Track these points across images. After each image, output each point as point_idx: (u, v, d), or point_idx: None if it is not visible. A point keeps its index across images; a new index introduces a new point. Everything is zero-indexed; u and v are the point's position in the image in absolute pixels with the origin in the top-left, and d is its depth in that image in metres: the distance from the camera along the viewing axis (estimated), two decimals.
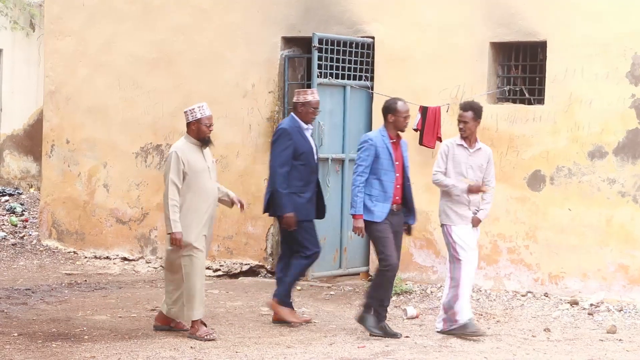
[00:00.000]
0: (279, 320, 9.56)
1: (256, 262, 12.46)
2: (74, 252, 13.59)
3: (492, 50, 11.29)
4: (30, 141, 17.95)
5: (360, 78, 11.92)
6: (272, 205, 9.64)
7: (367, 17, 11.81)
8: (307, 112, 9.61)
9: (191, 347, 8.43)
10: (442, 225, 9.31)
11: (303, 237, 9.62)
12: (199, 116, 8.92)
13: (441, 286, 10.97)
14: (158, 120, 12.98)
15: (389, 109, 9.12)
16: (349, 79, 11.82)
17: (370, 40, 11.86)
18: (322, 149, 11.46)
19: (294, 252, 9.70)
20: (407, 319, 10.05)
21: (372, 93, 11.84)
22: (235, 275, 12.38)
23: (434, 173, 9.29)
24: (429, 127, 11.24)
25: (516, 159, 11.08)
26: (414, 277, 11.46)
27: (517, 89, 11.52)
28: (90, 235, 13.59)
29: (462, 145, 9.18)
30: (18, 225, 15.16)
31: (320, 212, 9.89)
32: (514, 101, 11.56)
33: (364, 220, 8.90)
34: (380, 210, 8.88)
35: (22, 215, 15.67)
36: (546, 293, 10.84)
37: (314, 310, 10.50)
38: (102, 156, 13.45)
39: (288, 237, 9.68)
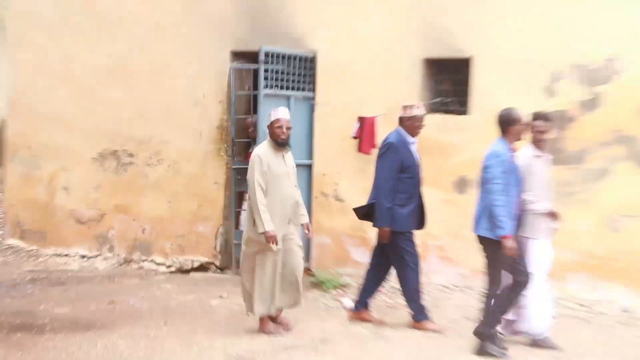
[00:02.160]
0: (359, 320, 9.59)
1: (206, 259, 12.58)
2: (36, 250, 13.63)
3: (424, 65, 11.52)
4: None
5: (303, 89, 12.04)
6: (370, 214, 9.51)
7: (310, 33, 11.99)
8: (414, 126, 9.49)
9: (146, 337, 8.56)
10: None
11: (404, 247, 9.44)
12: (272, 119, 8.93)
13: (358, 283, 11.19)
14: (115, 128, 13.05)
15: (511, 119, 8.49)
16: (293, 89, 11.92)
17: (313, 54, 12.00)
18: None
19: (391, 263, 9.63)
20: (345, 309, 10.20)
21: (314, 103, 12.02)
22: (186, 271, 12.46)
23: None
24: (366, 135, 11.47)
25: (445, 165, 11.30)
26: (351, 273, 11.60)
27: (447, 100, 11.65)
28: (51, 235, 13.66)
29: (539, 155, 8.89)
30: None
31: (422, 223, 9.70)
32: (445, 112, 11.65)
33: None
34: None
35: None
36: (468, 286, 11.14)
37: None
38: (62, 161, 13.52)
39: (387, 247, 9.51)
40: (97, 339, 8.41)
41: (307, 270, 11.92)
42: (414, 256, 9.47)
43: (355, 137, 11.58)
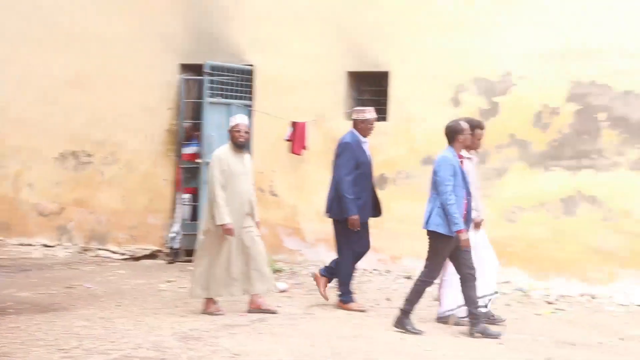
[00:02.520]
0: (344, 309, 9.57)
1: (156, 248, 12.75)
2: (1, 240, 13.63)
3: (348, 77, 11.81)
4: None
5: (242, 98, 12.20)
6: (334, 208, 9.58)
7: (248, 49, 12.19)
8: (365, 127, 9.63)
9: (100, 317, 8.52)
10: None
11: (346, 237, 9.57)
12: (232, 124, 9.07)
13: (308, 265, 11.74)
14: (74, 131, 13.17)
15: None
16: (233, 98, 12.08)
17: (251, 67, 12.19)
18: (211, 155, 11.28)
19: (342, 248, 9.70)
20: (279, 292, 10.22)
21: (252, 110, 12.20)
22: (138, 259, 12.61)
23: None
24: (297, 138, 11.76)
25: None
26: (285, 259, 11.90)
27: (367, 108, 11.06)
28: (16, 226, 13.68)
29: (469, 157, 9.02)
30: None
31: (377, 211, 9.89)
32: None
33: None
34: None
35: None
36: (388, 270, 11.52)
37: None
38: (27, 160, 13.57)
39: (344, 234, 9.59)
40: (56, 319, 8.35)
41: None
42: (361, 245, 9.69)
43: (287, 140, 11.85)
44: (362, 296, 10.38)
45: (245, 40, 12.36)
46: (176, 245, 12.36)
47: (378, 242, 11.29)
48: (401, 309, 8.52)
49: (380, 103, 11.87)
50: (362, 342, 8.01)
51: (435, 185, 8.44)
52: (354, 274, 9.78)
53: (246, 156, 9.24)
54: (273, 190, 12.24)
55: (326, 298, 9.72)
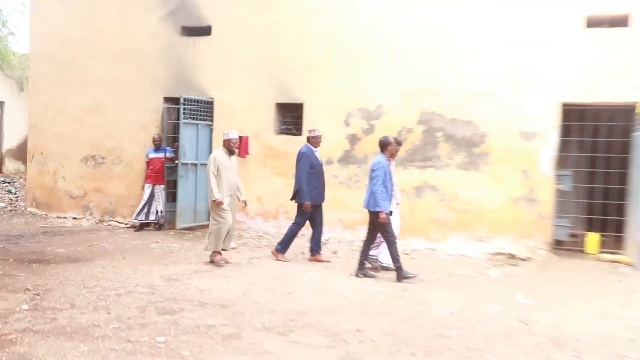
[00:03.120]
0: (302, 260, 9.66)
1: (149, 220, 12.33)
2: (45, 215, 13.61)
3: (276, 107, 11.87)
4: (20, 152, 17.60)
5: (206, 119, 12.17)
6: (297, 196, 9.63)
7: (210, 87, 12.19)
8: (316, 141, 9.73)
9: (112, 266, 8.59)
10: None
11: (302, 214, 9.66)
12: (229, 137, 9.23)
13: (250, 232, 11.77)
14: (93, 141, 13.11)
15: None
16: (200, 120, 12.05)
17: (212, 99, 12.18)
18: (185, 158, 11.86)
19: (295, 220, 9.76)
20: (231, 249, 9.93)
21: (212, 128, 12.25)
22: (133, 227, 12.36)
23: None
24: (242, 147, 11.68)
25: (289, 164, 11.32)
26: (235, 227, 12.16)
27: (289, 127, 12.01)
28: (54, 205, 13.63)
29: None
30: (12, 199, 15.09)
31: (323, 199, 9.83)
32: (288, 134, 11.96)
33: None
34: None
35: (15, 194, 15.52)
36: (303, 234, 10.79)
37: (180, 246, 10.57)
38: (61, 161, 13.54)
39: (302, 214, 9.63)
40: (82, 267, 8.49)
41: (208, 226, 11.96)
42: (302, 221, 9.71)
43: (236, 148, 11.19)
44: (287, 252, 10.11)
45: (208, 81, 12.34)
46: (142, 218, 12.25)
47: (294, 215, 11.62)
48: (396, 267, 8.57)
49: (297, 124, 11.97)
50: (286, 281, 8.16)
51: (371, 179, 8.55)
52: (321, 238, 9.89)
53: (233, 157, 9.34)
54: None
55: (328, 261, 9.75)
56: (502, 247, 10.63)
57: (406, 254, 10.51)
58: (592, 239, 10.89)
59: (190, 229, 12.21)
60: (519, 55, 10.68)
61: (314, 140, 9.76)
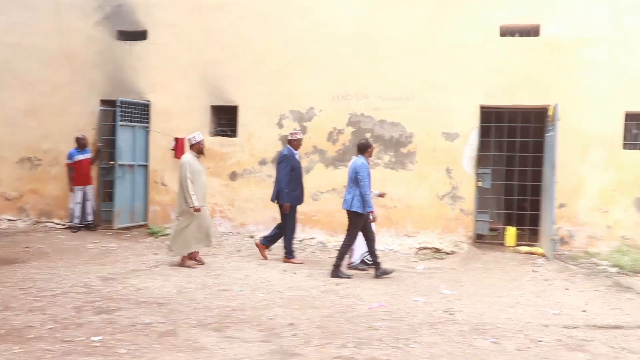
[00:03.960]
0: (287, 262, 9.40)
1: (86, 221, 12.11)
2: None
3: (211, 109, 11.74)
4: None
5: (142, 122, 11.95)
6: (278, 197, 9.38)
7: (146, 90, 11.97)
8: (297, 144, 9.53)
9: (48, 267, 8.36)
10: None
11: (291, 215, 9.45)
12: (197, 140, 8.92)
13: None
14: (29, 144, 12.66)
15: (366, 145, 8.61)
16: (137, 122, 11.83)
17: (148, 102, 11.97)
18: (122, 159, 11.61)
19: (284, 224, 9.47)
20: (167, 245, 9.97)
21: (149, 131, 12.04)
22: (70, 228, 11.92)
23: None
24: (179, 148, 11.58)
25: (224, 165, 11.65)
26: (171, 226, 10.61)
27: (225, 129, 11.85)
28: None
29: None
30: None
31: (302, 200, 9.64)
32: (223, 135, 11.82)
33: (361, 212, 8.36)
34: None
35: None
36: (238, 232, 11.50)
37: (117, 245, 10.40)
38: None
39: (284, 215, 9.40)
40: (17, 269, 8.28)
41: (146, 226, 12.06)
42: (295, 221, 9.59)
43: (172, 149, 11.78)
44: (221, 249, 10.38)
45: (144, 84, 12.14)
46: (76, 221, 11.91)
47: (231, 215, 11.68)
48: (334, 264, 8.59)
49: (232, 126, 11.90)
50: (222, 278, 8.12)
51: (356, 181, 8.40)
52: (294, 240, 9.70)
53: (201, 159, 9.15)
54: (163, 182, 12.15)
55: (265, 258, 9.63)
56: (428, 241, 10.80)
57: (337, 249, 10.46)
58: (510, 233, 11.19)
59: (127, 229, 11.99)
60: (441, 60, 10.92)
61: (295, 143, 9.59)
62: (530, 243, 11.00)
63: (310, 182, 11.13)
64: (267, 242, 9.79)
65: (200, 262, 9.12)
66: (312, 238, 11.23)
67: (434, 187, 10.92)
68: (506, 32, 10.84)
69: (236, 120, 11.79)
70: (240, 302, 6.89)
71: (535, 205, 11.23)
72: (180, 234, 8.88)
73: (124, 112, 11.77)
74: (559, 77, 10.52)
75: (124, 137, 11.79)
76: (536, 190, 11.29)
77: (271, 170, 11.48)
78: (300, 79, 11.42)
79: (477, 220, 11.05)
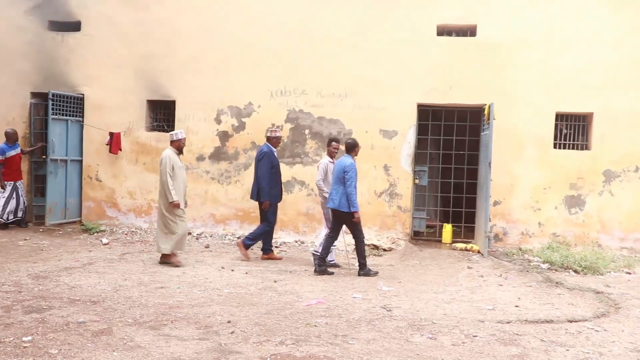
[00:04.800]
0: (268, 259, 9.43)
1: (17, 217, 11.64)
2: None
3: (148, 104, 11.58)
4: None
5: (76, 115, 11.71)
6: (258, 195, 9.31)
7: (80, 83, 11.71)
8: (277, 142, 9.47)
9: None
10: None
11: (270, 214, 9.41)
12: (179, 137, 8.84)
13: (122, 227, 11.47)
14: None
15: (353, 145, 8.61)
16: (70, 116, 11.58)
17: (82, 95, 11.72)
18: (55, 154, 11.35)
19: (263, 222, 9.41)
20: (103, 245, 10.12)
21: (83, 125, 11.80)
22: (5, 225, 11.44)
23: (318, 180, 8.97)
24: (114, 143, 11.51)
25: (158, 162, 10.44)
26: (106, 223, 11.61)
27: (162, 124, 11.72)
28: None
29: (332, 162, 9.03)
30: None
31: (281, 198, 9.63)
32: (160, 130, 11.70)
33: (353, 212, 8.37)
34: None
35: None
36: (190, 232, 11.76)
37: (49, 242, 10.17)
38: None
39: (263, 213, 9.38)
40: None
41: (79, 222, 11.83)
42: (274, 218, 9.54)
43: (107, 144, 11.60)
44: (190, 248, 9.88)
45: (78, 77, 11.85)
46: (10, 218, 11.53)
47: (189, 212, 11.44)
48: (360, 264, 8.62)
49: (169, 121, 11.79)
50: (159, 275, 8.03)
51: (342, 180, 8.38)
52: (272, 237, 9.69)
53: (180, 156, 9.02)
54: (98, 177, 11.92)
55: (248, 258, 9.44)
56: (366, 238, 10.79)
57: (276, 246, 10.62)
58: (447, 230, 11.41)
59: (60, 225, 11.74)
60: (380, 58, 11.05)
61: (275, 141, 9.53)
62: (466, 240, 11.24)
63: (248, 179, 11.11)
64: (267, 248, 9.73)
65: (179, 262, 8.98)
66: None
67: (372, 184, 11.03)
68: (443, 31, 11.06)
69: (173, 115, 11.68)
70: (178, 299, 6.81)
71: (471, 203, 11.47)
72: (165, 230, 8.78)
73: (57, 106, 11.49)
74: (494, 77, 10.77)
75: (57, 131, 11.53)
76: (472, 188, 11.53)
77: (209, 167, 11.50)
78: (239, 74, 11.36)
79: (414, 217, 11.23)
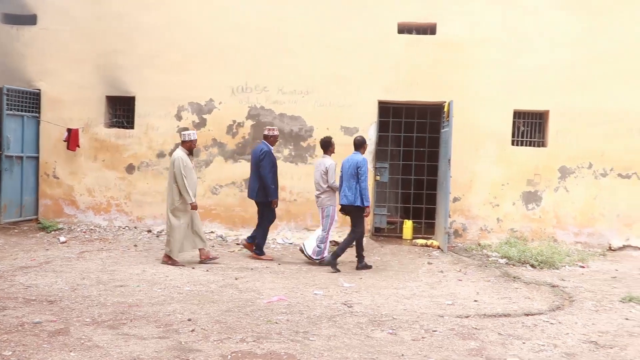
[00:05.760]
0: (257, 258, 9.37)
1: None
2: None
3: (107, 100, 11.42)
4: None
5: (32, 111, 11.52)
6: (260, 194, 9.28)
7: (36, 78, 11.52)
8: (275, 140, 9.49)
9: None
10: (330, 206, 9.01)
11: (272, 211, 9.44)
12: (191, 138, 8.84)
13: (81, 225, 11.34)
14: None
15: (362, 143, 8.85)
16: (26, 112, 11.40)
17: (39, 90, 11.54)
18: (10, 151, 11.10)
19: (262, 220, 9.43)
20: (60, 243, 10.00)
21: (39, 120, 11.59)
22: None
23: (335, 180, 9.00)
24: (72, 140, 11.33)
25: (120, 158, 11.39)
26: (64, 221, 11.46)
27: (121, 120, 11.58)
28: None
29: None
30: None
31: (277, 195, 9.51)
32: (120, 127, 11.53)
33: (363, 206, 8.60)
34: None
35: None
36: (135, 227, 11.31)
37: (4, 241, 10.01)
38: None
39: (267, 211, 9.40)
40: None
41: (36, 220, 11.62)
42: (274, 216, 9.57)
43: (65, 141, 11.42)
44: (117, 244, 10.17)
45: (34, 72, 11.63)
46: None
47: (128, 208, 11.47)
48: (358, 257, 8.84)
49: (129, 117, 11.65)
50: (118, 274, 7.95)
51: (355, 176, 8.59)
52: (267, 236, 9.67)
53: (191, 157, 9.00)
54: (55, 174, 11.73)
55: (271, 259, 9.45)
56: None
57: (237, 244, 10.63)
58: (407, 226, 11.49)
59: (16, 223, 11.52)
60: (341, 55, 11.09)
61: (272, 139, 9.55)
62: (426, 236, 11.34)
63: (209, 176, 11.15)
64: (253, 240, 9.68)
65: (215, 257, 9.12)
66: (212, 232, 11.16)
67: None
68: (404, 29, 11.13)
69: (133, 112, 11.55)
70: (137, 298, 6.75)
71: (432, 199, 11.58)
72: (174, 234, 8.75)
73: (11, 101, 11.27)
74: (454, 75, 10.89)
75: (12, 127, 11.29)
76: (432, 185, 11.64)
77: (169, 163, 11.27)
78: (200, 70, 11.30)
79: (375, 214, 11.29)
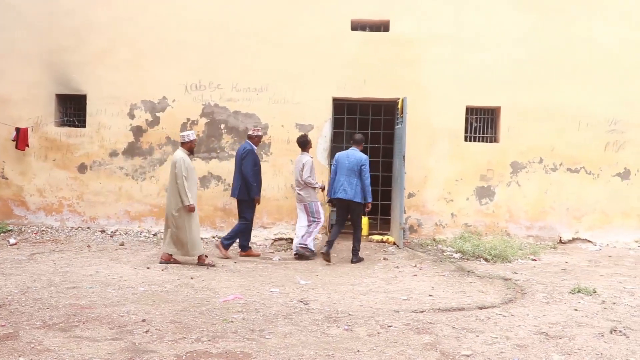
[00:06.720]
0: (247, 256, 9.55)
1: None
2: None
3: (57, 98, 11.20)
4: None
5: None
6: (242, 192, 9.39)
7: None
8: (259, 140, 9.67)
9: None
10: (312, 202, 9.40)
11: (251, 210, 9.57)
12: (191, 138, 8.81)
13: (32, 226, 11.19)
14: None
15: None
16: None
17: None
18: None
19: (241, 219, 9.55)
20: (10, 245, 9.87)
21: None
22: None
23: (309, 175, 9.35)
24: (21, 139, 11.09)
25: (71, 157, 11.18)
26: (14, 222, 11.24)
27: (73, 119, 11.37)
28: None
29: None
30: None
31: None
32: (71, 125, 11.35)
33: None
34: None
35: None
36: (88, 227, 11.16)
37: None
38: None
39: (242, 210, 9.51)
40: None
41: None
42: (252, 215, 9.67)
43: (13, 140, 11.17)
44: (70, 245, 10.01)
45: None
46: None
47: (80, 209, 11.30)
48: (353, 251, 9.26)
49: (80, 116, 11.44)
50: (71, 275, 7.85)
51: (357, 173, 8.96)
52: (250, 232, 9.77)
53: (191, 157, 9.03)
54: (4, 174, 11.45)
55: (229, 257, 9.43)
56: (283, 232, 10.94)
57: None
58: (363, 222, 11.48)
59: None
60: (295, 52, 11.10)
61: (256, 139, 9.69)
62: (382, 232, 11.42)
63: (163, 175, 10.97)
64: (244, 245, 9.78)
65: (177, 262, 8.91)
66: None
67: (288, 178, 11.05)
68: (357, 26, 11.18)
69: (85, 110, 11.37)
70: (90, 299, 6.64)
71: (387, 195, 11.67)
72: (190, 234, 8.70)
73: None
74: (407, 72, 10.99)
75: None
76: (387, 181, 11.72)
77: (122, 162, 11.28)
78: (153, 68, 11.17)
79: (331, 211, 11.29)
